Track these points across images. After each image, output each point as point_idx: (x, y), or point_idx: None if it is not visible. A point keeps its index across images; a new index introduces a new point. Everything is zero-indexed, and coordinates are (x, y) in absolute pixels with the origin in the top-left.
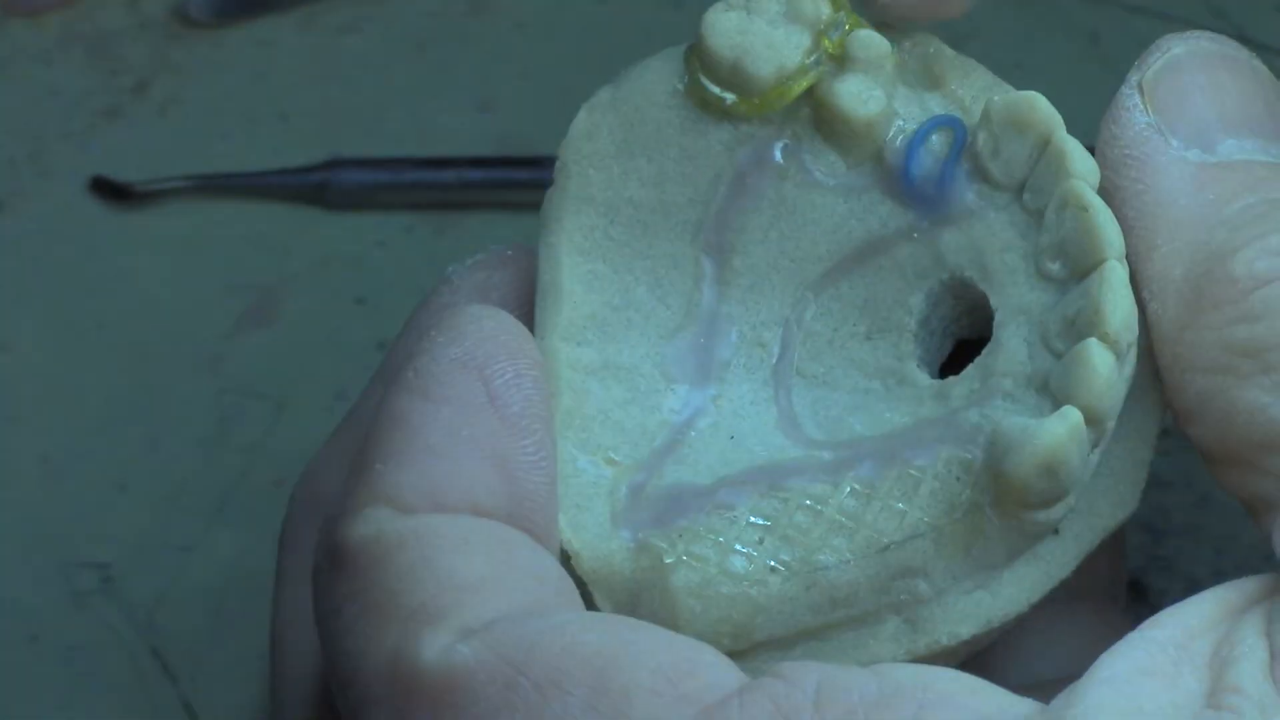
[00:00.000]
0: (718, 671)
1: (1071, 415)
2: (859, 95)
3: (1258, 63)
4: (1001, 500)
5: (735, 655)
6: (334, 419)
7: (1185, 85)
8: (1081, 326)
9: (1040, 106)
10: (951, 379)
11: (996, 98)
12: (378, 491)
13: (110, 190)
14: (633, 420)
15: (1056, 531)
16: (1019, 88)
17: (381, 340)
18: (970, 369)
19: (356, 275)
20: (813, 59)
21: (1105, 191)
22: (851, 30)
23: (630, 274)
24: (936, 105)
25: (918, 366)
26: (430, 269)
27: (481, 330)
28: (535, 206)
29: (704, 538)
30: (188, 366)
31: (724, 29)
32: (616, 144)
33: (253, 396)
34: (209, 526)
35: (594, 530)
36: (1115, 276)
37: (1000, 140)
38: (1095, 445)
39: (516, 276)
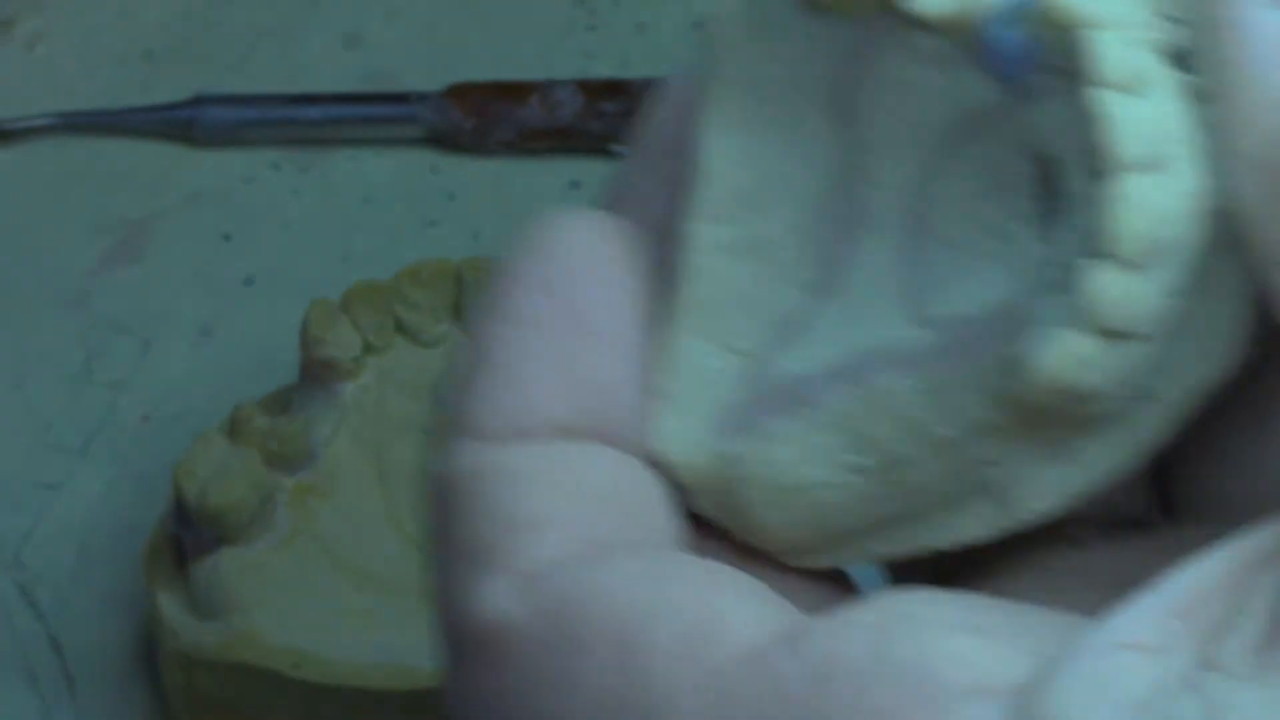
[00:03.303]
0: (745, 626)
1: (1070, 341)
2: None
3: None
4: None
5: (831, 544)
6: (201, 355)
7: None
8: (1094, 241)
9: (1069, 5)
10: (1043, 254)
11: None
12: (460, 422)
13: None
14: (767, 300)
15: (1148, 395)
16: None
17: (248, 275)
18: (1048, 252)
19: (223, 211)
20: None
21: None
22: None
23: (778, 147)
24: None
25: (1033, 230)
26: (297, 205)
27: (559, 241)
28: (403, 142)
29: (784, 442)
30: (54, 303)
31: None
32: (748, 27)
33: (119, 332)
34: (76, 463)
35: (692, 437)
36: (1120, 192)
37: (1049, 33)
38: (1146, 340)
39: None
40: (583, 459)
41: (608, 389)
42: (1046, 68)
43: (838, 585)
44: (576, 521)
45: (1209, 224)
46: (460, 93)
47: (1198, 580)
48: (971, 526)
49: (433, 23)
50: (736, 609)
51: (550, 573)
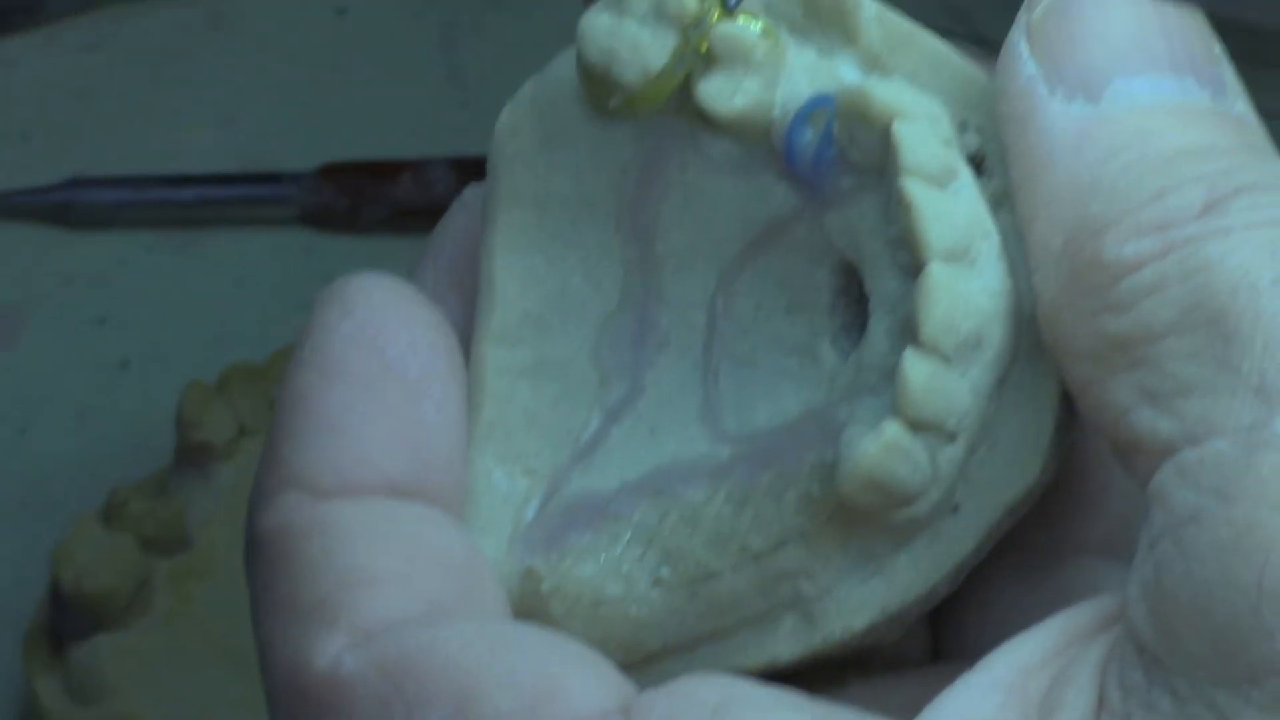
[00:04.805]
0: (584, 696)
1: (888, 431)
2: (722, 93)
3: None
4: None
5: (638, 665)
6: (77, 440)
7: (1073, 24)
8: (907, 331)
9: (877, 98)
10: (842, 366)
11: (841, 88)
12: (287, 476)
13: None
14: (560, 421)
15: (956, 509)
16: None
17: (124, 358)
18: (850, 359)
19: (99, 294)
20: (679, 58)
21: (1001, 150)
22: (717, 23)
23: (565, 265)
24: (846, 67)
25: (831, 343)
26: (174, 287)
27: (372, 301)
28: (277, 223)
29: (587, 556)
30: None
31: (595, 33)
32: (538, 139)
33: None
34: None
35: (491, 557)
36: (932, 281)
37: (852, 128)
38: (953, 440)
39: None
40: (415, 519)
41: (433, 445)
42: (849, 165)
43: None
44: (413, 581)
45: (1013, 328)
46: (332, 172)
47: (1023, 656)
48: (781, 645)
49: (306, 102)
50: (575, 679)
51: (389, 630)
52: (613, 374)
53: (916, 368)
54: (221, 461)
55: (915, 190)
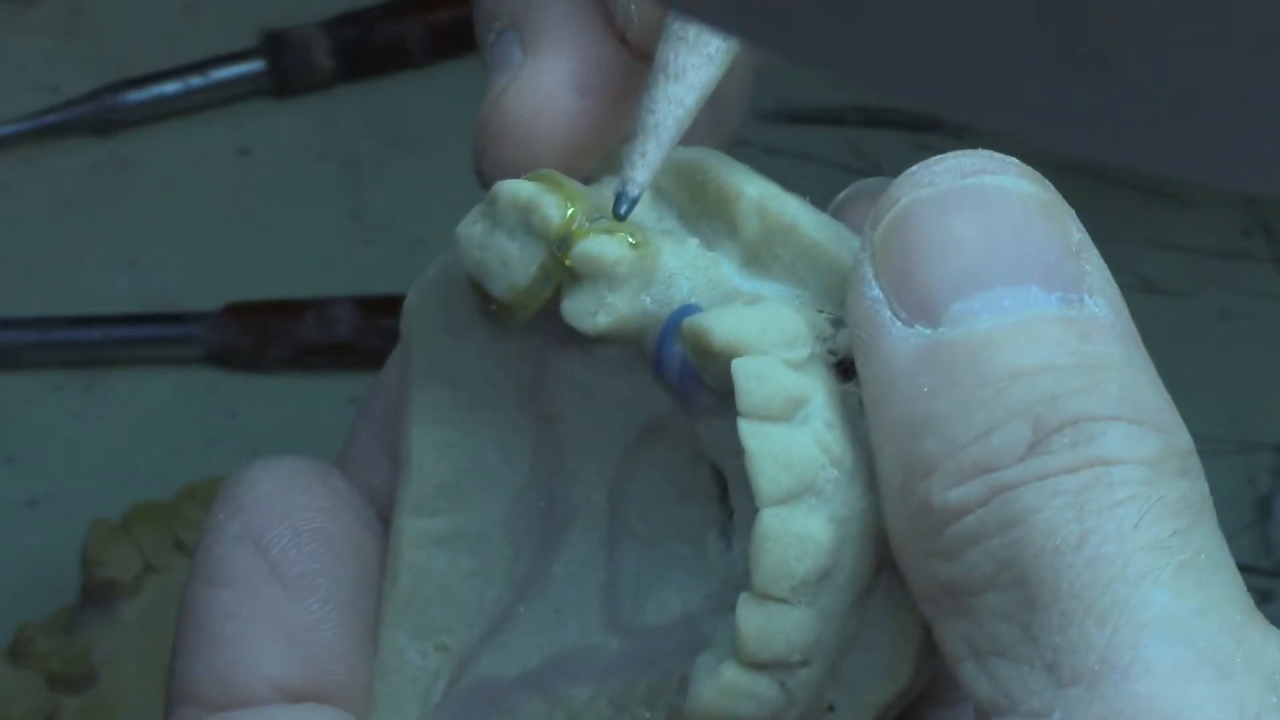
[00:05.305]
0: None
1: (724, 675)
2: (586, 310)
3: (1024, 183)
4: None
5: None
6: None
7: (913, 242)
8: (746, 572)
9: (717, 334)
10: (725, 559)
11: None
12: (179, 692)
13: None
14: (474, 595)
15: (832, 709)
16: None
17: (31, 498)
18: (725, 560)
19: (6, 434)
20: (546, 274)
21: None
22: (579, 240)
23: (479, 438)
24: (727, 261)
25: (719, 534)
26: (80, 426)
27: (258, 495)
28: (182, 363)
29: None
30: None
31: (468, 243)
32: (442, 322)
33: None
34: None
35: None
36: (762, 530)
37: (700, 356)
38: (806, 664)
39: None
40: None
41: (320, 642)
42: (708, 386)
43: None
44: None
45: (876, 541)
46: (237, 311)
47: None
48: None
49: (210, 242)
50: None
51: None
52: (524, 549)
53: (749, 615)
54: (127, 599)
55: (750, 434)
